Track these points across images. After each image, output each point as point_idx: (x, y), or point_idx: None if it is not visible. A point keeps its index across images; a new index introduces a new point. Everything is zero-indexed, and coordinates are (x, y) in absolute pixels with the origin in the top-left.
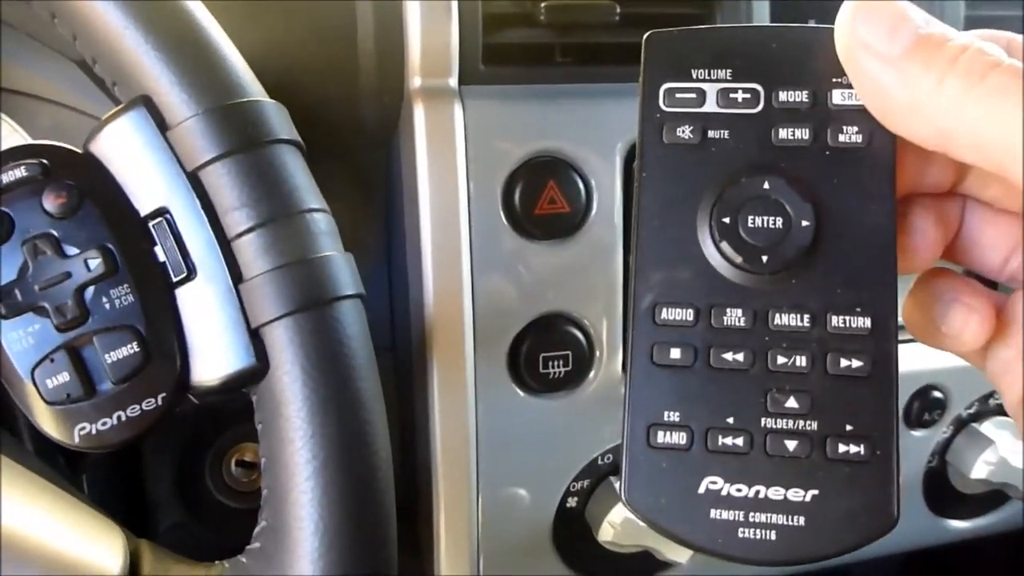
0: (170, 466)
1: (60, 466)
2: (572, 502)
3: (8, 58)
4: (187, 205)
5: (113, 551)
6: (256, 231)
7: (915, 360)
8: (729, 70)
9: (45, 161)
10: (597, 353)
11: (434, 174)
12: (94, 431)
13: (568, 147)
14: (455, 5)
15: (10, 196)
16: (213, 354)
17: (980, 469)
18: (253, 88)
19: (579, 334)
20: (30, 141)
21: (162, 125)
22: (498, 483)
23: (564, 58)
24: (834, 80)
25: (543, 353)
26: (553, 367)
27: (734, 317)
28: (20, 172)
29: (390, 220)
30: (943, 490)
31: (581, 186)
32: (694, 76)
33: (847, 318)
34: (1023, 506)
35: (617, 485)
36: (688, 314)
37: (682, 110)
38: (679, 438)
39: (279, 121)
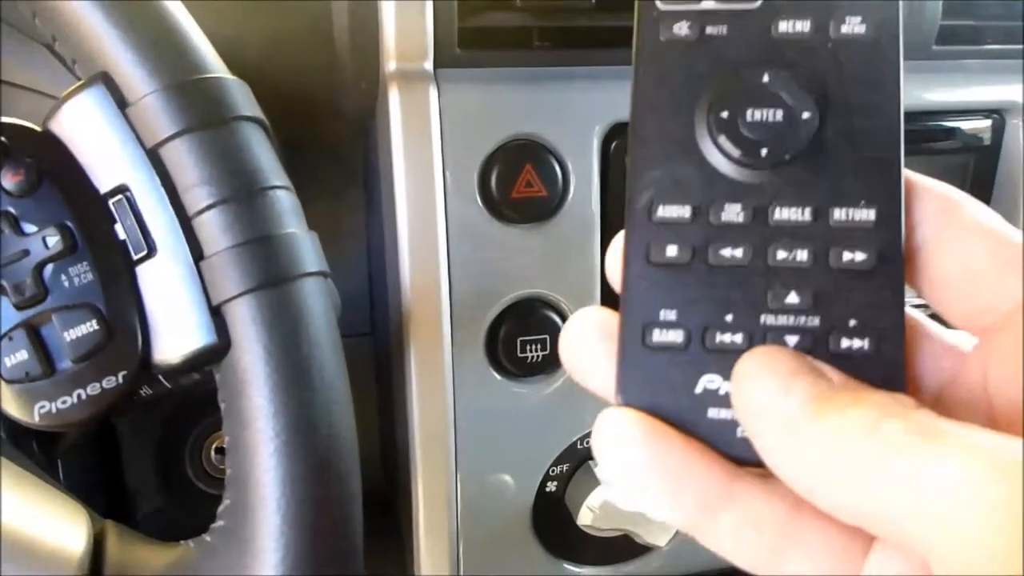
0: (149, 453)
1: (32, 451)
2: (551, 487)
3: None
4: (147, 182)
5: (76, 531)
6: (217, 208)
7: None
8: None
9: (3, 139)
10: None
11: (410, 158)
12: (54, 409)
13: (545, 130)
14: None
15: None
16: (174, 332)
17: None
18: (214, 64)
19: (557, 318)
20: None
21: (121, 102)
22: (477, 468)
23: (541, 42)
24: None
25: (521, 337)
26: (531, 351)
27: (733, 213)
28: None
29: (369, 205)
30: None
31: (558, 170)
32: None
33: (850, 210)
34: None
35: (597, 470)
36: (685, 211)
37: (679, 7)
38: (676, 337)
39: (241, 98)
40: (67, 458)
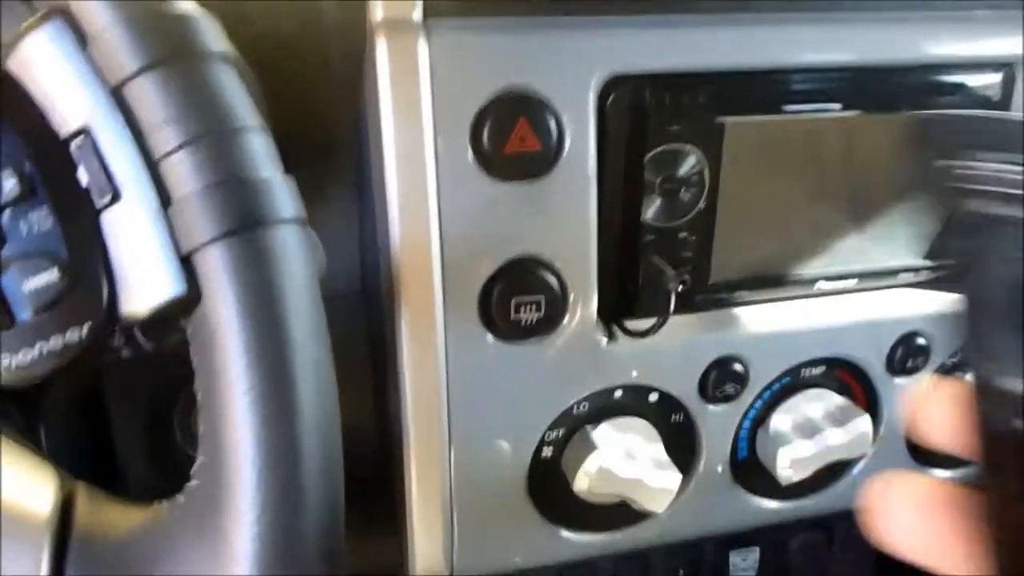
0: (138, 422)
1: (10, 413)
2: (547, 452)
3: None
4: (110, 123)
5: (43, 491)
6: (185, 149)
7: (898, 307)
8: (998, 153)
9: None
10: (571, 297)
11: (398, 112)
12: (14, 363)
13: (539, 83)
14: None
15: None
16: (142, 282)
17: None
18: None
19: (552, 278)
20: None
21: (81, 38)
22: (471, 433)
23: None
24: None
25: (515, 298)
26: (526, 312)
27: None
28: None
29: (359, 164)
30: None
31: (553, 124)
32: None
33: None
34: None
35: (594, 435)
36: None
37: (969, 186)
38: None
39: (210, 33)
40: (52, 431)
